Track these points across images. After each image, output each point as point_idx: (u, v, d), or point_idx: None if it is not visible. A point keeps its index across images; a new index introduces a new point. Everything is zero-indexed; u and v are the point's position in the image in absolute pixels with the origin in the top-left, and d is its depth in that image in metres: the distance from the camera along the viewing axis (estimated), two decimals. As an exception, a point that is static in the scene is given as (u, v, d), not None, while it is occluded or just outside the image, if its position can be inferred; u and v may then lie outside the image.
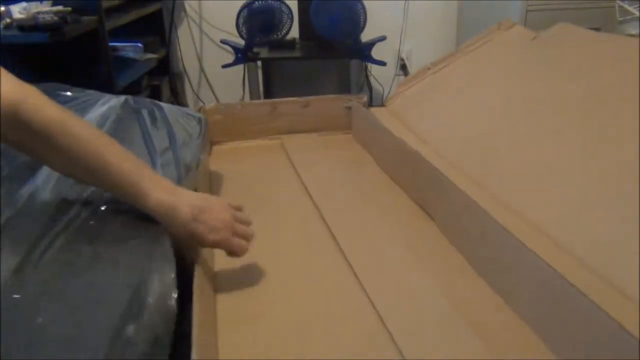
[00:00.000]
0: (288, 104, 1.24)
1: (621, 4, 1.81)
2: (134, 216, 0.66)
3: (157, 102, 1.05)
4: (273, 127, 1.23)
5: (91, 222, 0.64)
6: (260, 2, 2.03)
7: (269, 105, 1.23)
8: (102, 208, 0.68)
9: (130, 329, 0.47)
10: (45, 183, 0.70)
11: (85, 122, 0.69)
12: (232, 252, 0.71)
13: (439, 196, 0.82)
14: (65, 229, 0.62)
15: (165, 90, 2.41)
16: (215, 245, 0.69)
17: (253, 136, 1.23)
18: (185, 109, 1.09)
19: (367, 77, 2.57)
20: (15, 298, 0.49)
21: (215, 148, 1.21)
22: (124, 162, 0.65)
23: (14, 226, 0.61)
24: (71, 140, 0.62)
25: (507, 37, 1.18)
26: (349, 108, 1.23)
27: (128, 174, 0.64)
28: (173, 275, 0.57)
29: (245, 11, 2.04)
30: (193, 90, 2.67)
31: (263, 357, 0.60)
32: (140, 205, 0.65)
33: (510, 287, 0.64)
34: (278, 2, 2.05)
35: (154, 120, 0.97)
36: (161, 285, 0.54)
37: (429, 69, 1.23)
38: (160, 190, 0.66)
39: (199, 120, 1.03)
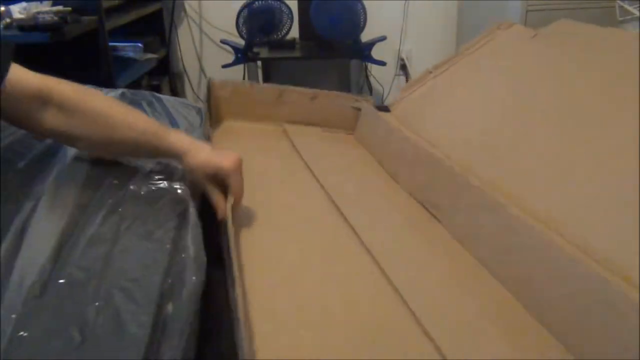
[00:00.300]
0: (294, 94, 1.22)
1: (621, 4, 1.82)
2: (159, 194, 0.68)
3: (155, 93, 1.05)
4: (276, 113, 1.20)
5: (119, 204, 0.65)
6: (260, 2, 2.03)
7: (276, 91, 1.21)
8: (131, 187, 0.69)
9: (169, 307, 0.48)
10: (67, 170, 0.72)
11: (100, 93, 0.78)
12: (238, 190, 0.72)
13: (455, 198, 0.81)
14: (98, 210, 0.63)
15: (165, 90, 2.42)
16: (234, 170, 0.71)
17: (255, 119, 1.20)
18: (183, 99, 1.09)
19: (367, 77, 2.57)
20: (61, 283, 0.49)
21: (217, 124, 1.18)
22: (142, 118, 0.74)
23: (45, 210, 0.62)
24: (94, 104, 0.71)
25: (506, 37, 1.18)
26: (358, 109, 1.22)
27: (148, 125, 0.72)
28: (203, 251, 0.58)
29: (245, 11, 2.04)
30: (193, 90, 2.67)
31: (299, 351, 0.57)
32: (162, 141, 0.71)
33: (532, 290, 0.63)
34: (278, 2, 2.05)
35: (154, 110, 0.97)
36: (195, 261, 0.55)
37: (431, 72, 1.23)
38: (179, 133, 0.75)
39: (198, 111, 1.03)
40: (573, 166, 0.72)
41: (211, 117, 1.13)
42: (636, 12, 1.76)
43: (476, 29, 2.39)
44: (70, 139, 0.72)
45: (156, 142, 0.71)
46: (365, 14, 2.03)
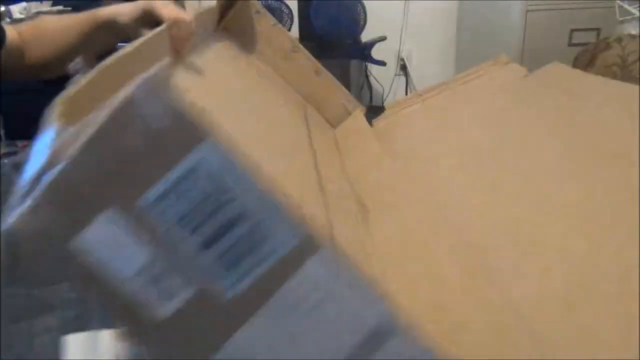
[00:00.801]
0: None
1: (621, 4, 1.82)
2: None
3: None
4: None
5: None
6: (260, 2, 2.04)
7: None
8: None
9: None
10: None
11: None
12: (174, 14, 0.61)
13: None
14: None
15: (165, 90, 2.42)
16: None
17: None
18: None
19: (367, 77, 2.57)
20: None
21: None
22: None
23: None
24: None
25: (500, 74, 1.18)
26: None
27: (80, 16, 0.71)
28: None
29: (245, 11, 2.05)
30: (193, 90, 2.67)
31: None
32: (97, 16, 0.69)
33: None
34: (278, 2, 2.05)
35: None
36: None
37: (420, 95, 1.23)
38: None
39: None
40: (551, 242, 0.58)
41: None
42: (636, 12, 1.77)
43: (476, 29, 2.40)
44: (40, 70, 0.74)
45: (92, 19, 0.69)
46: (365, 14, 2.03)
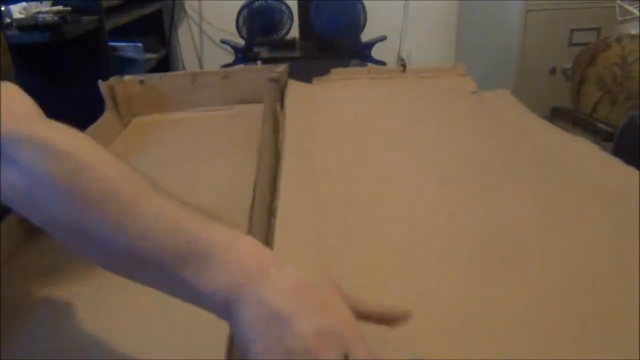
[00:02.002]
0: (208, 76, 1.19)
1: (621, 3, 1.82)
2: None
3: None
4: (194, 100, 1.18)
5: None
6: (260, 2, 2.03)
7: (190, 76, 1.19)
8: None
9: None
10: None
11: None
12: None
13: None
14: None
15: (165, 90, 2.42)
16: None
17: (173, 108, 1.15)
18: None
19: (367, 77, 2.57)
20: None
21: (135, 120, 1.13)
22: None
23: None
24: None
25: (449, 82, 1.21)
26: (275, 80, 1.18)
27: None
28: None
29: (245, 11, 2.04)
30: (193, 90, 2.67)
31: None
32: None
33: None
34: (278, 2, 2.05)
35: None
36: None
37: (370, 72, 1.26)
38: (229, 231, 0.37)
39: None
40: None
41: (120, 116, 1.08)
42: (636, 12, 1.77)
43: (476, 29, 2.40)
44: None
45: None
46: (365, 13, 2.03)
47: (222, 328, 0.36)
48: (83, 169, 0.37)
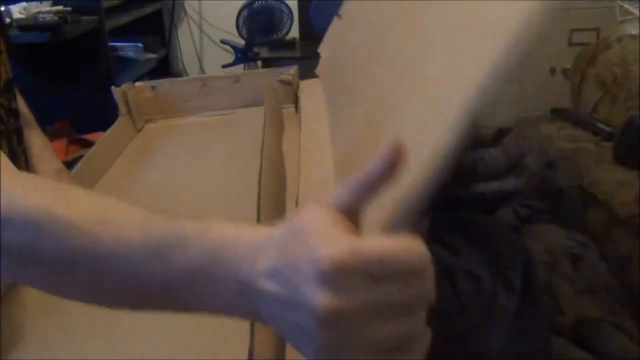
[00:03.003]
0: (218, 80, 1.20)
1: (621, 3, 1.82)
2: None
3: None
4: (204, 105, 1.19)
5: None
6: (260, 2, 2.03)
7: (200, 81, 1.20)
8: None
9: None
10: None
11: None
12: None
13: None
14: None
15: (165, 90, 2.42)
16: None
17: (184, 113, 1.17)
18: None
19: (367, 77, 2.57)
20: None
21: (147, 126, 1.14)
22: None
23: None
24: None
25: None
26: (288, 83, 1.18)
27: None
28: None
29: (245, 11, 2.04)
30: (193, 90, 2.67)
31: None
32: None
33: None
34: (278, 2, 2.05)
35: None
36: None
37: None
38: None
39: None
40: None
41: (133, 121, 1.10)
42: (636, 12, 1.77)
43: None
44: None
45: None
46: (365, 14, 2.03)
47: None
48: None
